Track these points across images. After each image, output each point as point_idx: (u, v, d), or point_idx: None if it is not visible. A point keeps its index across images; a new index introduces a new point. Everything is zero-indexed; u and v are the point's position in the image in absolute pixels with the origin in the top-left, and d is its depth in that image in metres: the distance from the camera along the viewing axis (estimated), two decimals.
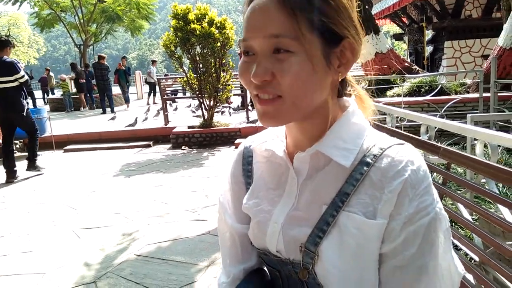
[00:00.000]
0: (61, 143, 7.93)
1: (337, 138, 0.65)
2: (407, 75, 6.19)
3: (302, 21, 0.58)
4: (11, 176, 5.51)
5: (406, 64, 7.33)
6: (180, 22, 6.88)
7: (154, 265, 2.82)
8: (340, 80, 0.66)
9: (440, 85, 5.56)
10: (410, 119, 2.09)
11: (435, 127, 1.78)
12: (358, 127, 0.67)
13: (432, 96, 5.40)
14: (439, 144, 1.60)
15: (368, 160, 0.63)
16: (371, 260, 0.62)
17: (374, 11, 12.07)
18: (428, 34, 11.63)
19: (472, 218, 1.71)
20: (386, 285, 0.63)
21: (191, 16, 6.87)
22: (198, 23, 6.80)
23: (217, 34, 6.85)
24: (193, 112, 9.51)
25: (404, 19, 13.32)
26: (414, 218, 0.59)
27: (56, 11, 13.11)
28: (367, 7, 7.29)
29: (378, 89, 6.39)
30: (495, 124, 3.70)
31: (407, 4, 10.70)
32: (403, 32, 14.32)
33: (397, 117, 2.39)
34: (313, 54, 0.59)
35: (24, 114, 5.45)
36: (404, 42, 15.02)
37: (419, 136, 2.15)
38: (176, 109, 9.25)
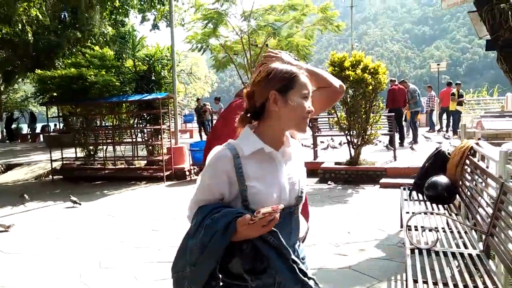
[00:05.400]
0: None
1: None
2: None
3: None
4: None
5: None
6: (336, 68, 7.55)
7: None
8: None
9: None
10: None
11: None
12: None
13: None
14: None
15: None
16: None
17: None
18: None
19: None
20: None
21: (347, 63, 7.46)
22: (352, 70, 7.35)
23: (369, 79, 7.27)
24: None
25: None
26: None
27: (229, 54, 15.62)
28: None
29: None
30: None
31: None
32: None
33: None
34: None
35: None
36: None
37: None
38: (326, 148, 10.11)
